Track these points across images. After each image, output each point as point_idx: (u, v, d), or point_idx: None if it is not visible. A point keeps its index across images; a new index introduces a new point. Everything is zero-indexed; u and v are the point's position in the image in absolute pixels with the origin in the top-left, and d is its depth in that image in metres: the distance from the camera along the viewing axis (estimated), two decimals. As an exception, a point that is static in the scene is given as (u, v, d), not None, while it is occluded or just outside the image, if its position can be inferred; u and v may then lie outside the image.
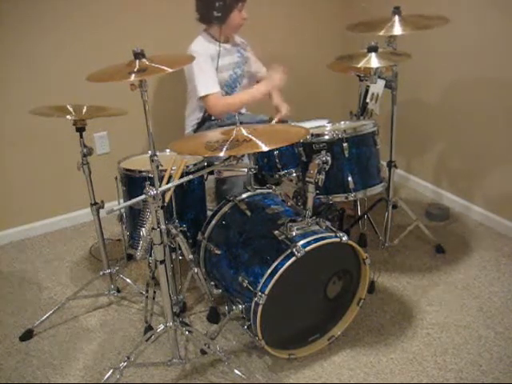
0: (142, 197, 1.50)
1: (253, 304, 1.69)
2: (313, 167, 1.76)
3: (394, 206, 2.47)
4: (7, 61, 2.51)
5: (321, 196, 1.98)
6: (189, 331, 1.83)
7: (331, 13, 3.25)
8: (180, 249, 1.98)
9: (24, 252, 2.68)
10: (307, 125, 2.01)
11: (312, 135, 1.92)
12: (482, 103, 2.59)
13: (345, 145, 1.92)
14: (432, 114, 2.92)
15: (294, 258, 1.66)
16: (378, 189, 2.03)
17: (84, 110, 2.01)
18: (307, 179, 1.78)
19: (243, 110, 2.63)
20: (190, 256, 1.98)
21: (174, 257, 2.00)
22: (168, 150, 2.22)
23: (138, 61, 1.57)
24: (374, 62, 2.01)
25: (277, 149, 2.14)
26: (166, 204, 1.74)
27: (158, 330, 1.75)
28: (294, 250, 1.67)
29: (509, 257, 2.42)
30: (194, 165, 2.11)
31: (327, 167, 1.77)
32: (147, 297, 2.00)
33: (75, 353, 1.95)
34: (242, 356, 1.89)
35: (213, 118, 2.47)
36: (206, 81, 2.32)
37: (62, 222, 2.90)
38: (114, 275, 2.19)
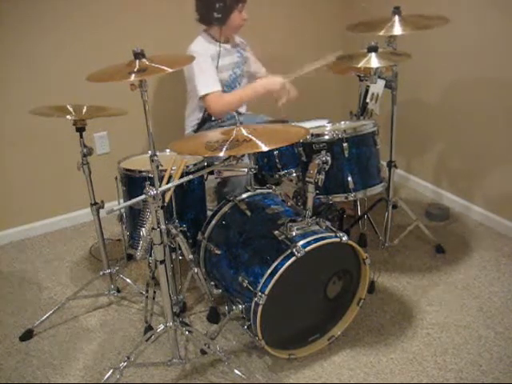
0: (142, 197, 1.50)
1: (253, 304, 1.69)
2: (313, 167, 1.76)
3: (394, 206, 2.47)
4: (7, 61, 2.51)
5: (321, 196, 1.98)
6: (189, 331, 1.83)
7: (331, 13, 3.25)
8: (180, 249, 1.98)
9: (24, 252, 2.68)
10: (307, 125, 2.01)
11: (312, 135, 1.92)
12: (482, 103, 2.59)
13: (345, 145, 1.92)
14: (432, 114, 2.92)
15: (293, 258, 1.66)
16: (377, 189, 2.03)
17: (84, 110, 2.01)
18: (307, 179, 1.78)
19: (243, 110, 2.63)
20: (190, 256, 1.98)
21: (174, 257, 2.00)
22: (168, 150, 2.22)
23: (138, 61, 1.57)
24: (374, 61, 2.01)
25: (277, 149, 2.14)
26: (165, 204, 1.74)
27: (158, 330, 1.75)
28: (294, 250, 1.67)
29: (509, 257, 2.42)
30: (194, 165, 2.11)
31: (327, 167, 1.78)
32: (147, 297, 2.00)
33: (75, 353, 1.95)
34: (242, 356, 1.89)
35: (213, 118, 2.47)
36: (206, 80, 2.32)
37: (62, 221, 2.90)
38: (113, 275, 2.19)
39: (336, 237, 1.75)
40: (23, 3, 2.43)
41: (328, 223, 1.85)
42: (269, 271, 1.68)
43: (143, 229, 1.83)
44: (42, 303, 2.24)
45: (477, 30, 2.51)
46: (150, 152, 1.62)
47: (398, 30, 2.05)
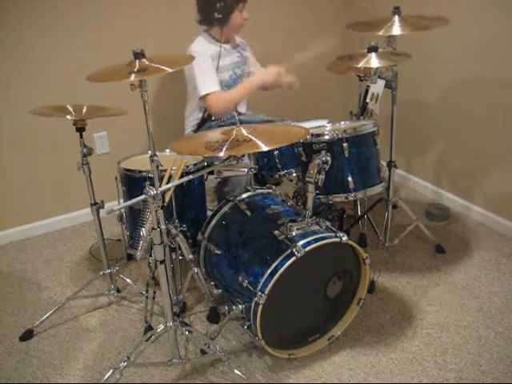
0: (142, 197, 1.50)
1: (253, 304, 1.69)
2: (313, 167, 1.76)
3: (394, 206, 2.47)
4: (7, 61, 2.51)
5: (321, 196, 1.98)
6: (189, 331, 1.83)
7: (331, 13, 3.25)
8: (180, 249, 1.98)
9: (24, 252, 2.68)
10: (307, 125, 2.01)
11: (312, 135, 1.92)
12: (482, 103, 2.59)
13: (345, 145, 1.92)
14: (432, 114, 2.92)
15: (293, 258, 1.66)
16: (378, 189, 2.04)
17: (84, 110, 2.01)
18: (307, 179, 1.78)
19: (243, 110, 2.63)
20: (190, 256, 1.98)
21: (174, 257, 2.00)
22: (168, 150, 2.22)
23: (137, 61, 1.57)
24: (374, 62, 2.01)
25: (277, 149, 2.14)
26: (165, 204, 1.74)
27: (158, 330, 1.75)
28: (294, 250, 1.67)
29: (509, 257, 2.42)
30: (194, 165, 2.11)
31: (327, 167, 1.78)
32: (147, 297, 2.00)
33: (75, 353, 1.95)
34: (242, 356, 1.89)
35: (213, 118, 2.47)
36: (206, 80, 2.32)
37: (62, 221, 2.90)
38: (114, 275, 2.19)
39: (336, 237, 1.75)
40: (23, 3, 2.43)
41: (328, 223, 1.85)
42: (269, 271, 1.68)
43: (143, 229, 1.83)
44: (42, 303, 2.24)
45: (477, 30, 2.51)
46: (150, 152, 1.62)
47: (397, 30, 2.05)
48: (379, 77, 2.18)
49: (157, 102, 2.83)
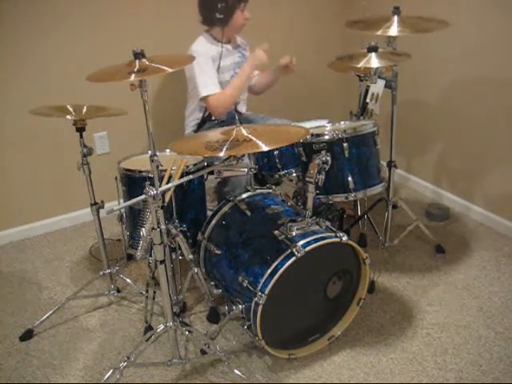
0: (142, 197, 1.50)
1: (253, 304, 1.69)
2: (313, 167, 1.76)
3: (394, 206, 2.47)
4: (7, 61, 2.51)
5: (321, 196, 1.98)
6: (189, 331, 1.83)
7: (331, 13, 3.25)
8: (180, 249, 1.98)
9: (24, 252, 2.68)
10: (307, 125, 2.01)
11: (312, 135, 1.92)
12: (482, 103, 2.59)
13: (345, 145, 1.92)
14: (432, 114, 2.92)
15: (293, 258, 1.66)
16: (378, 189, 2.04)
17: (84, 110, 2.01)
18: (307, 179, 1.78)
19: (243, 110, 2.63)
20: (190, 256, 1.98)
21: (174, 257, 2.00)
22: (168, 150, 2.22)
23: (137, 61, 1.57)
24: (374, 61, 2.01)
25: (277, 149, 2.14)
26: (165, 204, 1.74)
27: (158, 330, 1.75)
28: (294, 250, 1.67)
29: (509, 257, 2.42)
30: (194, 165, 2.11)
31: (327, 167, 1.77)
32: (147, 297, 2.00)
33: (75, 353, 1.95)
34: (242, 356, 1.89)
35: (213, 118, 2.47)
36: (207, 81, 2.32)
37: (62, 222, 2.89)
38: (114, 275, 2.19)
39: (336, 237, 1.75)
40: (23, 3, 2.43)
41: (328, 223, 1.85)
42: (269, 271, 1.68)
43: (143, 229, 1.83)
44: (42, 303, 2.24)
45: (477, 30, 2.51)
46: (150, 152, 1.62)
47: (395, 30, 2.04)
48: (379, 77, 2.18)
49: (157, 101, 2.83)
